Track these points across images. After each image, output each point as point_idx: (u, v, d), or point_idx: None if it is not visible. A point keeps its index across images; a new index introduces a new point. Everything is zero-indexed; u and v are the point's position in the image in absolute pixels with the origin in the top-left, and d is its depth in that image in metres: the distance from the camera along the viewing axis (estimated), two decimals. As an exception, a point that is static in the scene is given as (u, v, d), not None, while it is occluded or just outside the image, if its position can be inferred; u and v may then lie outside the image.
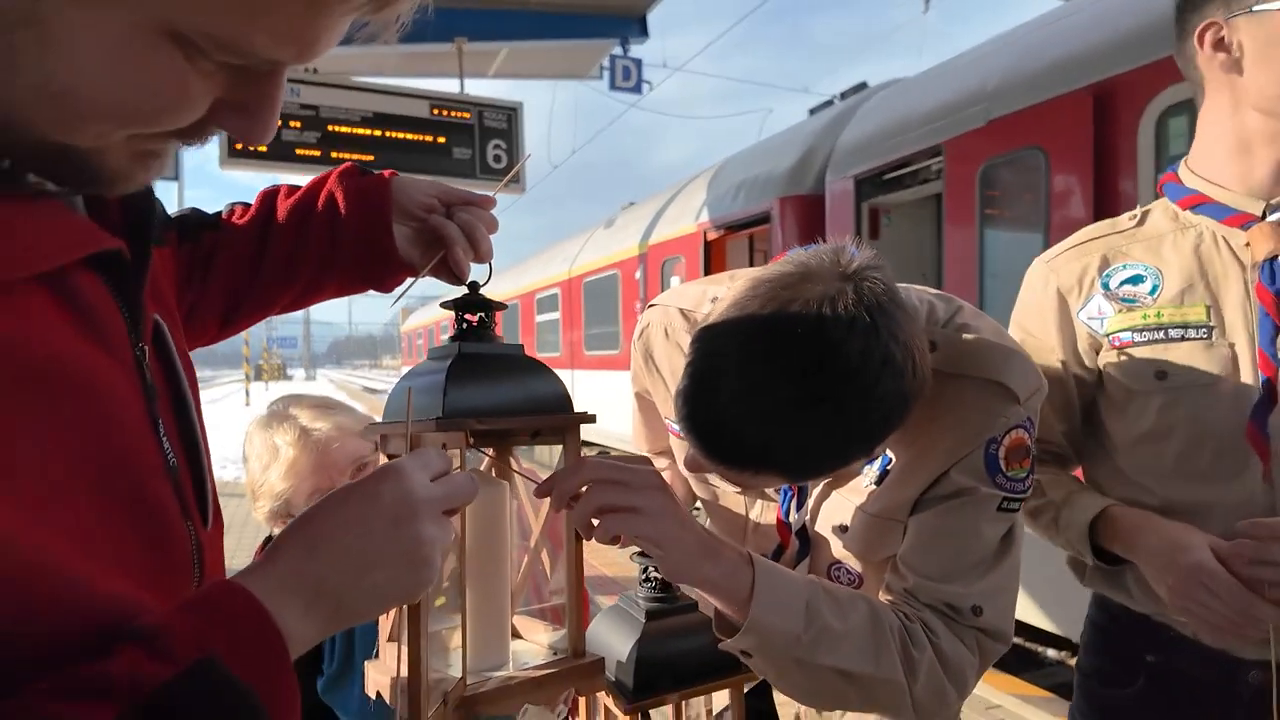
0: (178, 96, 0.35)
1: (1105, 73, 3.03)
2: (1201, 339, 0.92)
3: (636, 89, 6.79)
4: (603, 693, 0.79)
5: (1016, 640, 3.65)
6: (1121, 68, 2.98)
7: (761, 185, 5.48)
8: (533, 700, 0.64)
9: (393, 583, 0.45)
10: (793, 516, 0.90)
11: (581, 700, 0.89)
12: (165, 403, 0.46)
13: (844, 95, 6.13)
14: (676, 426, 1.02)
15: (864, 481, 0.84)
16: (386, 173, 0.73)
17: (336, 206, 0.70)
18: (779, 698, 1.05)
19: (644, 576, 0.83)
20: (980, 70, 3.75)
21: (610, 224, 8.63)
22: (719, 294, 0.96)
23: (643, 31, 6.05)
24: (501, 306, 0.72)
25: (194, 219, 0.71)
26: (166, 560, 0.42)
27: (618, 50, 6.35)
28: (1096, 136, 3.05)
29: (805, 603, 0.70)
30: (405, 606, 0.55)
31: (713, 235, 6.07)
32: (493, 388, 0.65)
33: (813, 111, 6.57)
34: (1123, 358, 0.98)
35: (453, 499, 0.50)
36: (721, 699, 0.92)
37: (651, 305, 1.04)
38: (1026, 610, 3.34)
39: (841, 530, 0.85)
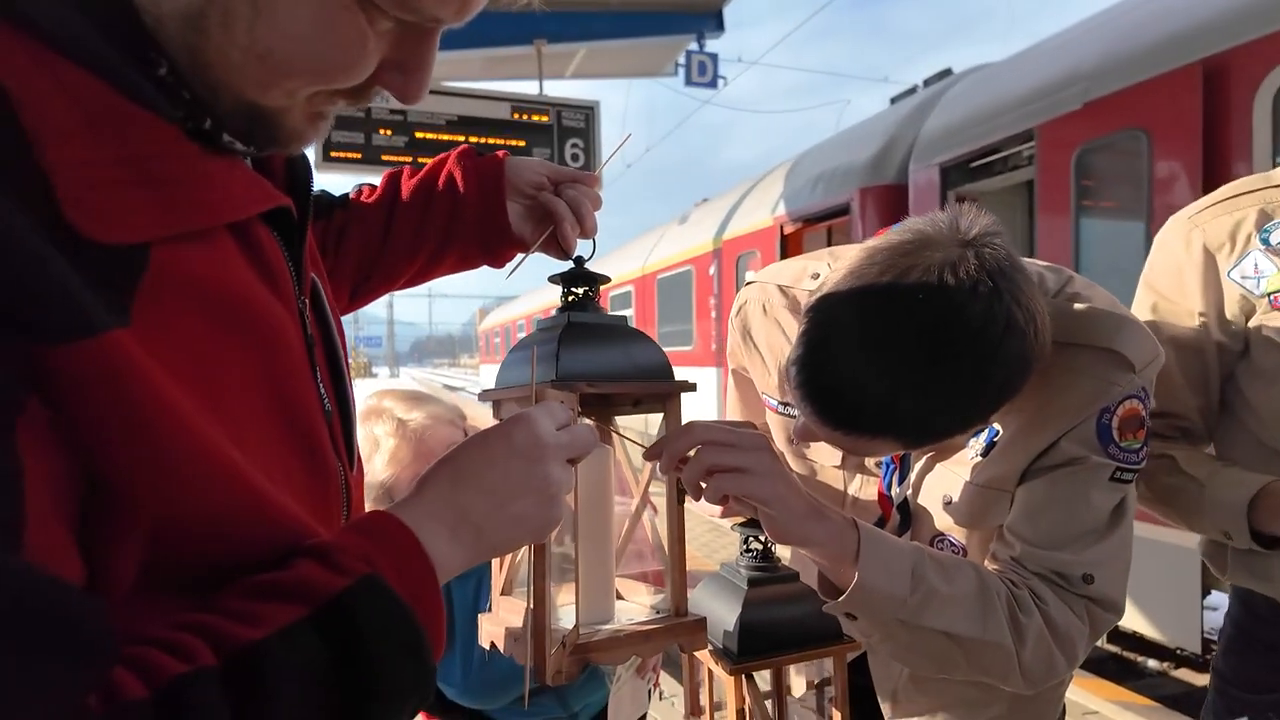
0: (360, 54, 0.39)
1: (1216, 47, 2.85)
2: None
3: (712, 84, 6.77)
4: (706, 655, 0.81)
5: (1116, 649, 3.50)
6: (1235, 40, 2.80)
7: (841, 176, 5.39)
8: (640, 651, 0.66)
9: (527, 517, 0.49)
10: (894, 490, 0.90)
11: (685, 661, 0.91)
12: (320, 353, 0.50)
13: (927, 82, 5.96)
14: (774, 401, 1.03)
15: (969, 454, 0.83)
16: (500, 153, 0.77)
17: (456, 185, 0.75)
18: (875, 673, 1.04)
19: (745, 547, 0.84)
20: (1076, 49, 3.59)
21: (684, 220, 8.64)
22: (819, 269, 0.96)
23: (719, 26, 6.04)
24: (606, 279, 0.74)
25: (325, 198, 0.76)
26: (323, 494, 0.47)
27: (693, 46, 6.35)
28: (1206, 115, 2.88)
29: (911, 566, 0.71)
30: (531, 548, 0.58)
31: (790, 228, 6.00)
32: (601, 354, 0.68)
33: (894, 100, 6.41)
34: None
35: (576, 446, 0.53)
36: (819, 670, 0.93)
37: (749, 283, 1.05)
38: (1129, 617, 3.18)
39: (947, 503, 0.84)
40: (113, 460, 0.33)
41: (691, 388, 0.72)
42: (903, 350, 0.65)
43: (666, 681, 2.78)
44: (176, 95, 0.38)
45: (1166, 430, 1.04)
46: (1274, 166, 0.98)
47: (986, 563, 0.80)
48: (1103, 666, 3.59)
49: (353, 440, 0.53)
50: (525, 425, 0.50)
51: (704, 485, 0.68)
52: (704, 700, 0.91)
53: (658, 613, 0.72)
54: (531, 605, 0.58)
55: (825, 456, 0.98)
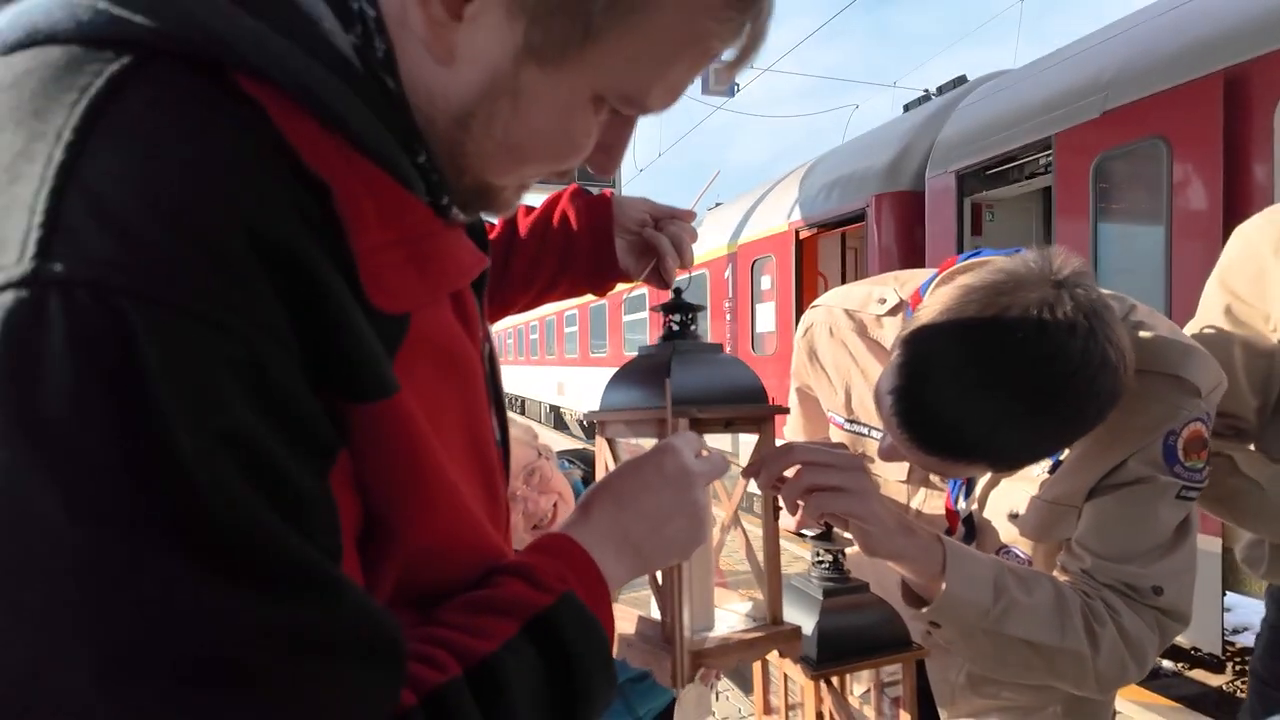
0: (587, 143, 0.45)
1: (1238, 57, 2.89)
2: None
3: (729, 92, 6.83)
4: (784, 660, 0.86)
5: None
6: (1257, 51, 2.84)
7: (857, 182, 5.43)
8: (746, 657, 0.71)
9: (678, 538, 0.54)
10: (961, 504, 0.95)
11: (756, 670, 0.96)
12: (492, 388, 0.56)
13: (941, 90, 6.00)
14: (840, 418, 1.08)
15: (1035, 470, 0.88)
16: (606, 192, 0.83)
17: (569, 222, 0.80)
18: (932, 677, 1.09)
19: (818, 558, 0.89)
20: (1095, 57, 3.63)
21: (698, 224, 8.69)
22: (886, 294, 1.01)
23: (735, 33, 6.07)
24: (701, 308, 0.80)
25: None
26: (498, 515, 0.52)
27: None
28: (1226, 125, 2.92)
29: (993, 578, 0.76)
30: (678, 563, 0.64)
31: (805, 234, 6.05)
32: (704, 379, 0.73)
33: (908, 107, 6.45)
34: None
35: (714, 473, 0.58)
36: (878, 674, 0.98)
37: (815, 306, 1.10)
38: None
39: (1013, 516, 0.89)
40: (390, 500, 0.39)
41: (785, 411, 0.77)
42: (1004, 387, 0.69)
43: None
44: (429, 178, 0.43)
45: (1223, 429, 1.04)
46: None
47: (1056, 574, 0.85)
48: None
49: (508, 465, 0.58)
50: (673, 455, 0.55)
51: (801, 503, 0.73)
52: (776, 701, 0.97)
53: (754, 621, 0.77)
54: (671, 616, 0.63)
55: (891, 471, 1.03)
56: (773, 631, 0.73)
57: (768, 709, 0.99)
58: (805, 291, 6.18)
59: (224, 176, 0.32)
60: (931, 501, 1.01)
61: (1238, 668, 3.74)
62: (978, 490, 0.94)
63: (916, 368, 0.74)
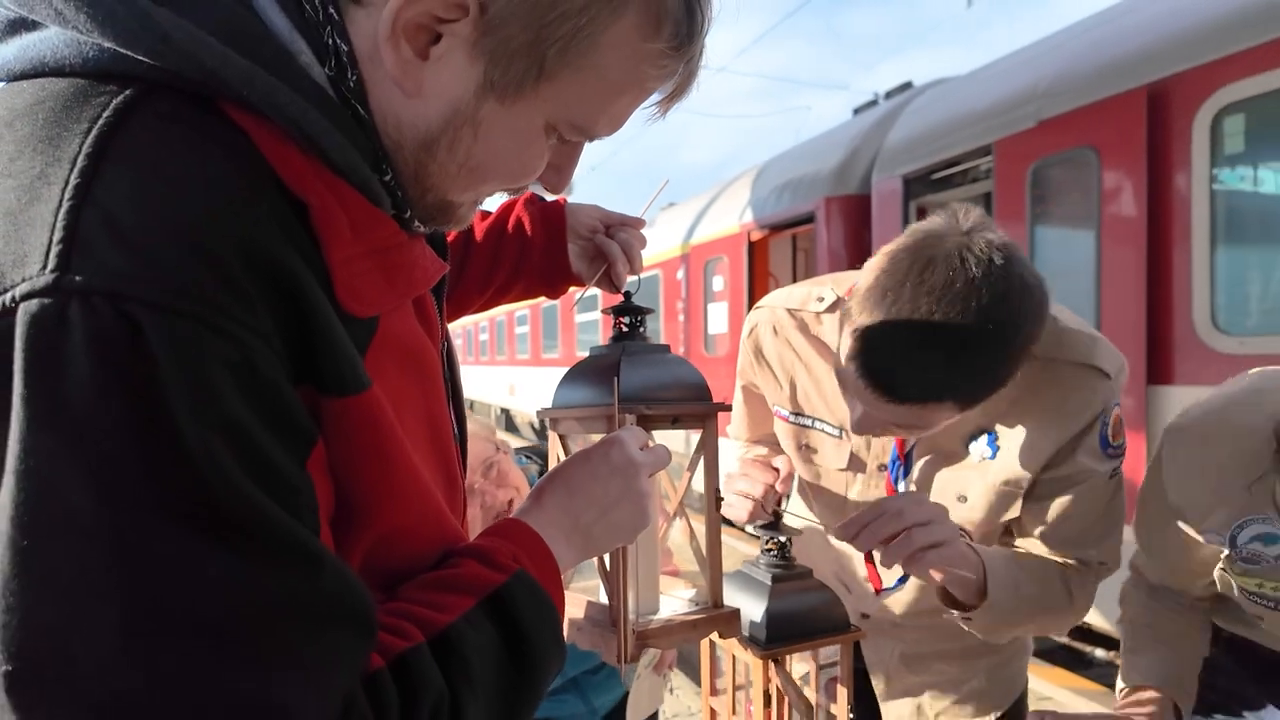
0: (540, 165, 0.49)
1: (1160, 73, 3.06)
2: None
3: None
4: (732, 642, 0.91)
5: (1066, 640, 3.69)
6: (1176, 67, 3.01)
7: (807, 185, 5.55)
8: (689, 638, 0.76)
9: (624, 523, 0.58)
10: (900, 485, 1.02)
11: (701, 647, 1.01)
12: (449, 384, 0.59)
13: (889, 94, 6.16)
14: (785, 411, 1.14)
15: (975, 458, 0.97)
16: (560, 200, 0.86)
17: (524, 229, 0.84)
18: (868, 657, 1.17)
19: (766, 547, 0.95)
20: (1032, 69, 3.79)
21: (650, 225, 8.76)
22: (823, 293, 1.07)
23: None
24: (650, 311, 0.84)
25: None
26: (454, 504, 0.55)
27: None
28: (1150, 136, 3.08)
29: (1014, 581, 0.90)
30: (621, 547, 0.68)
31: (756, 235, 6.15)
32: (651, 378, 0.77)
33: (857, 111, 6.61)
34: None
35: (657, 465, 0.63)
36: (819, 655, 1.04)
37: (759, 307, 1.16)
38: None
39: (961, 500, 0.98)
40: (358, 487, 0.42)
41: (727, 409, 0.82)
42: (945, 320, 0.77)
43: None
44: (394, 195, 0.47)
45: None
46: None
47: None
48: (1054, 656, 3.80)
49: (465, 456, 0.62)
50: (619, 446, 0.60)
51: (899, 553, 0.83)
52: (723, 684, 1.01)
53: (695, 605, 0.82)
54: (616, 598, 0.67)
55: (831, 460, 1.09)
56: (713, 614, 0.78)
57: (714, 691, 1.03)
58: (757, 292, 6.28)
59: (220, 198, 0.36)
60: (868, 492, 1.07)
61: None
62: (915, 473, 1.01)
63: (867, 329, 0.81)
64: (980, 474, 0.98)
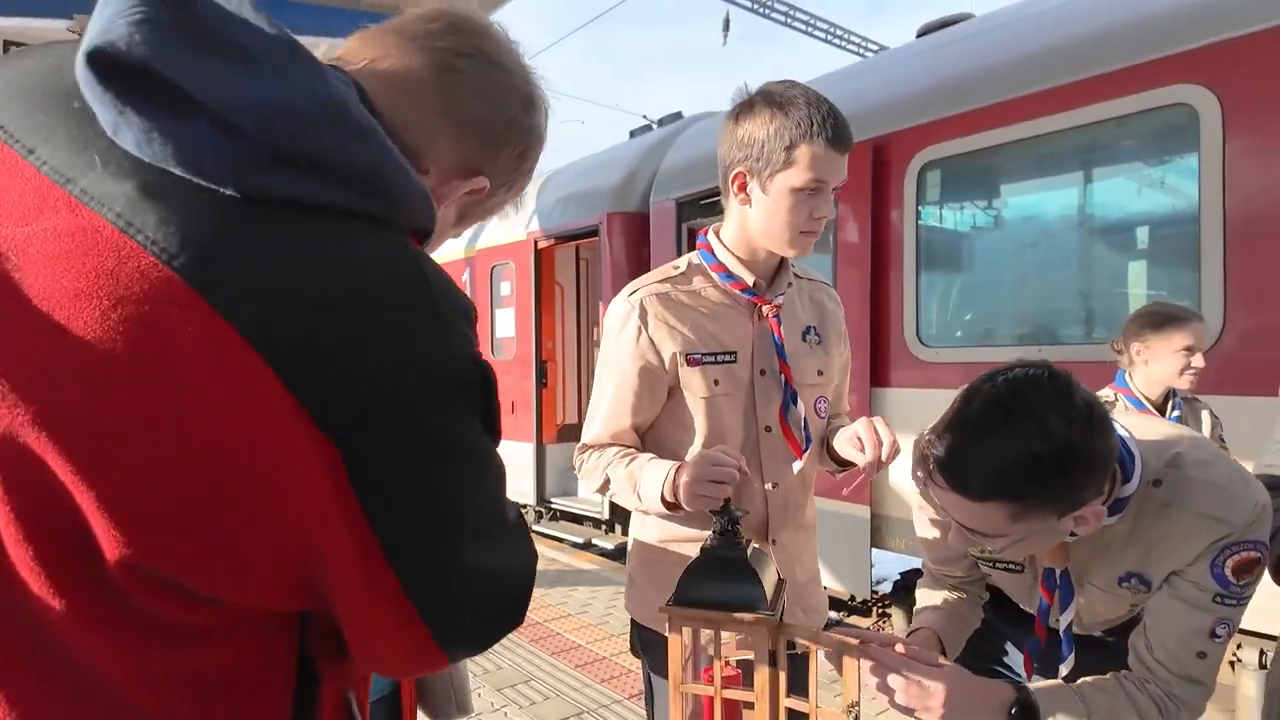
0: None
1: (881, 130, 3.73)
2: None
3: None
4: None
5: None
6: (893, 127, 3.70)
7: (591, 200, 5.83)
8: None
9: None
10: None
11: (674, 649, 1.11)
12: None
13: (661, 121, 6.63)
14: (698, 354, 1.31)
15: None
16: None
17: None
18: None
19: (719, 529, 0.99)
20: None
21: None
22: (678, 263, 1.37)
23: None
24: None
25: None
26: None
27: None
28: (874, 181, 3.75)
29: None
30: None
31: (543, 244, 6.32)
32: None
33: (633, 134, 7.02)
34: None
35: None
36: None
37: (630, 295, 1.33)
38: (822, 574, 3.94)
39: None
40: None
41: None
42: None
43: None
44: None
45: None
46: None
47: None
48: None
49: None
50: None
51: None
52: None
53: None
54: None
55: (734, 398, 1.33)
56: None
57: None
58: (544, 299, 6.46)
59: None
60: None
61: (880, 611, 4.70)
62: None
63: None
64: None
